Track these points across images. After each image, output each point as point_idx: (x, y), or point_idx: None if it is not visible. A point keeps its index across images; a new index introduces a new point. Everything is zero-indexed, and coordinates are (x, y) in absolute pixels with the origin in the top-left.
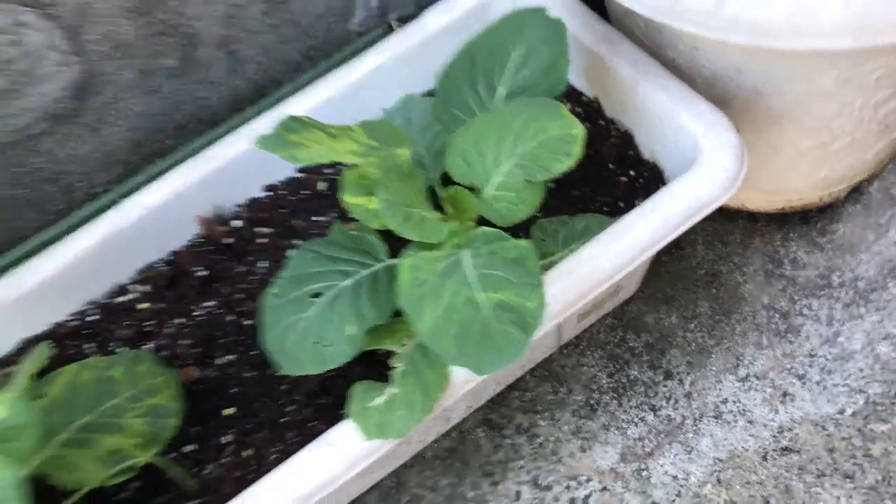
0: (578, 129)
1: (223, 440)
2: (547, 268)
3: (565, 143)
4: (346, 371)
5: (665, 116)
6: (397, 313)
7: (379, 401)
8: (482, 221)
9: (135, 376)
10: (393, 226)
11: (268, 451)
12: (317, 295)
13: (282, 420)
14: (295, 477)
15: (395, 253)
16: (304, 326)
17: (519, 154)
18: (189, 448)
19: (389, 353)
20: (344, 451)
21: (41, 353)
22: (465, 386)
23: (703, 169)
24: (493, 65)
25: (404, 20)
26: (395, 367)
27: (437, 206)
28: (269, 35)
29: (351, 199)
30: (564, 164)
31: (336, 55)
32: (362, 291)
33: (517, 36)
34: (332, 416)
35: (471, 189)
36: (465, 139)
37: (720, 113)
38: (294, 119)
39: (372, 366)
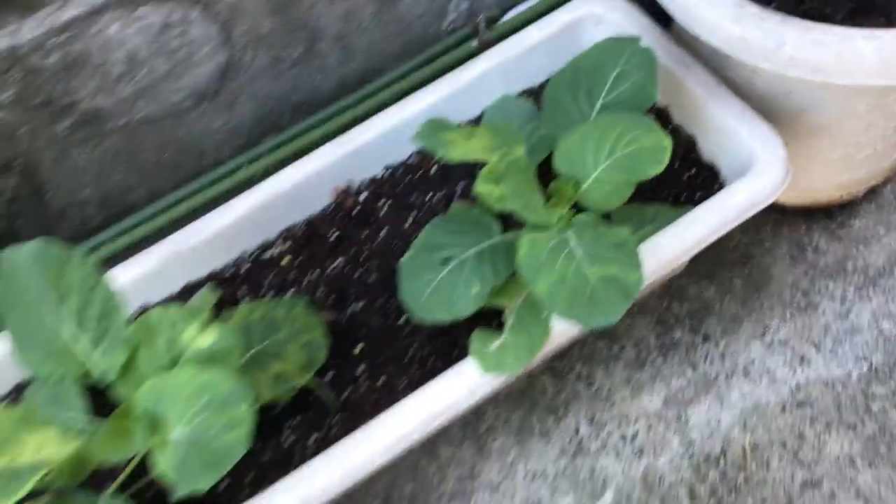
0: (668, 143)
1: (357, 371)
2: None
3: (657, 153)
4: (456, 320)
5: (728, 131)
6: (508, 278)
7: (495, 345)
8: (575, 207)
9: (293, 317)
10: (516, 209)
11: (397, 381)
12: (446, 260)
13: (405, 357)
14: (432, 398)
15: (505, 230)
16: (437, 284)
17: (616, 157)
18: (329, 376)
19: (492, 307)
20: (469, 381)
21: (210, 294)
22: (562, 337)
23: (758, 176)
24: (593, 81)
25: (490, 21)
26: (506, 320)
27: None
28: (376, 31)
29: (483, 187)
30: (655, 169)
31: (427, 51)
32: (484, 259)
33: (615, 59)
34: (446, 355)
35: (570, 180)
36: (571, 141)
37: (774, 132)
38: (433, 121)
39: (478, 316)
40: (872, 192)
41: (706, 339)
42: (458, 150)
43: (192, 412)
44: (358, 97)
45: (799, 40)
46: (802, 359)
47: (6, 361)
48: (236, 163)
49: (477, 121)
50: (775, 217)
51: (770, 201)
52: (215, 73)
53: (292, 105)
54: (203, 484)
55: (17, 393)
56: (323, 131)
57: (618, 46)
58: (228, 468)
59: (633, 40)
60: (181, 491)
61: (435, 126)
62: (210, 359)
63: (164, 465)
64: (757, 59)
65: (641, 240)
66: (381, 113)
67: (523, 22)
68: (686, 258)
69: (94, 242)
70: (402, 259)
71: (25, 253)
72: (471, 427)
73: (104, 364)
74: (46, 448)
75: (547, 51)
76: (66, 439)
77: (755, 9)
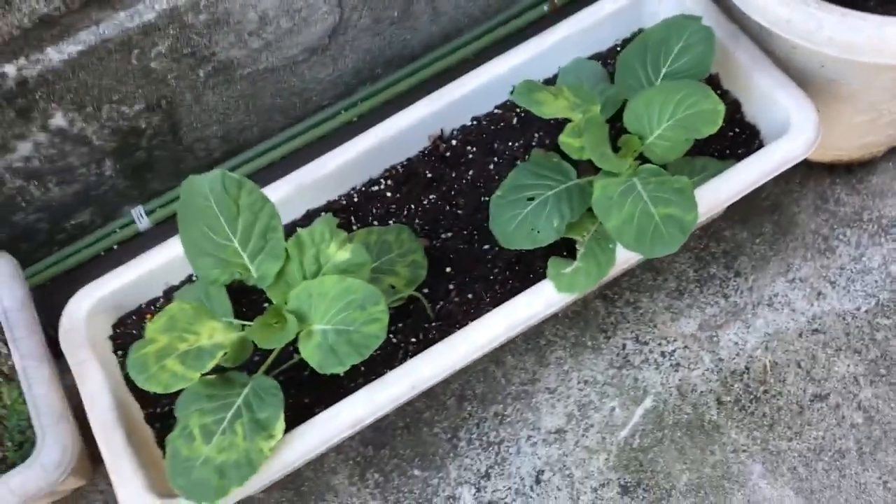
0: (722, 107)
1: (449, 287)
2: None
3: (713, 115)
4: (533, 248)
5: (769, 96)
6: (582, 214)
7: (568, 269)
8: (639, 158)
9: (400, 241)
10: (594, 159)
11: (483, 297)
12: (531, 199)
13: (489, 278)
14: (516, 309)
15: (579, 175)
16: (522, 218)
17: (677, 118)
18: (426, 291)
19: (566, 239)
20: (546, 297)
21: (330, 220)
22: (624, 265)
23: (794, 138)
24: (659, 53)
25: None
26: (578, 250)
27: None
28: None
29: (566, 139)
30: (711, 129)
31: (504, 12)
32: (562, 198)
33: (679, 35)
34: (524, 277)
35: (636, 135)
36: (639, 102)
37: (809, 99)
38: (528, 82)
39: (549, 247)
40: (891, 152)
41: (738, 274)
42: (549, 109)
43: (337, 309)
44: (442, 53)
45: (836, 24)
46: (819, 294)
47: (160, 270)
48: (335, 109)
49: (552, 80)
50: (803, 171)
51: (803, 158)
52: (327, 31)
53: (385, 59)
54: (345, 365)
55: (165, 296)
56: (411, 83)
57: (683, 23)
58: (369, 354)
59: (696, 19)
60: (326, 370)
61: (529, 87)
62: (346, 270)
63: (309, 352)
64: (798, 38)
65: (694, 187)
66: (472, 72)
67: None
68: (729, 203)
69: None
70: (493, 196)
71: (209, 179)
72: (532, 341)
73: (262, 271)
74: (217, 335)
75: (615, 21)
76: (230, 329)
77: None
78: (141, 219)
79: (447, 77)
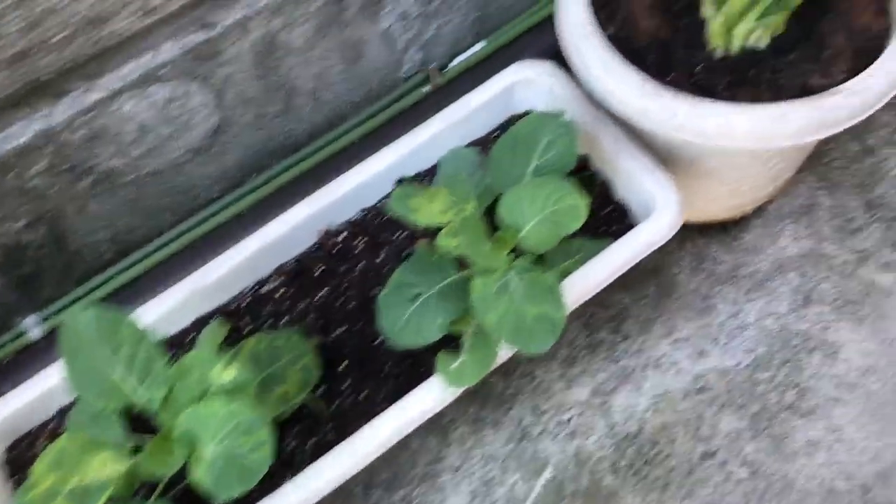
0: (584, 203)
1: (343, 385)
2: (560, 275)
3: (576, 210)
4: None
5: (634, 177)
6: (464, 310)
7: (455, 364)
8: (515, 250)
9: (291, 345)
10: (470, 258)
11: (377, 393)
12: (415, 296)
13: (382, 373)
14: (408, 407)
15: (460, 269)
16: (408, 317)
17: (545, 213)
18: (321, 390)
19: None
20: (436, 393)
21: (219, 328)
22: (505, 357)
23: (657, 219)
24: (527, 148)
25: (441, 68)
26: (463, 344)
27: None
28: (342, 85)
29: (443, 241)
30: (575, 224)
31: (386, 97)
32: (445, 295)
33: (543, 130)
34: (415, 371)
35: (510, 228)
36: (511, 198)
37: (671, 180)
38: (404, 186)
39: (440, 340)
40: (760, 209)
41: (625, 337)
42: (423, 216)
43: (224, 434)
44: (327, 140)
45: (687, 112)
46: (702, 352)
47: (50, 392)
48: (224, 202)
49: (433, 169)
50: (680, 234)
51: (668, 237)
52: (210, 132)
53: (270, 150)
54: (237, 492)
55: (60, 416)
56: (297, 171)
57: (547, 120)
58: (258, 480)
59: (558, 115)
60: (220, 498)
61: (405, 193)
62: (232, 390)
63: (201, 475)
64: (654, 125)
65: (568, 272)
66: (356, 168)
67: (468, 66)
68: (601, 288)
69: (105, 276)
70: (380, 296)
71: (87, 315)
72: (435, 421)
73: (147, 397)
74: (106, 467)
75: (488, 110)
76: (120, 457)
77: (654, 86)
78: (33, 329)
79: (335, 162)
